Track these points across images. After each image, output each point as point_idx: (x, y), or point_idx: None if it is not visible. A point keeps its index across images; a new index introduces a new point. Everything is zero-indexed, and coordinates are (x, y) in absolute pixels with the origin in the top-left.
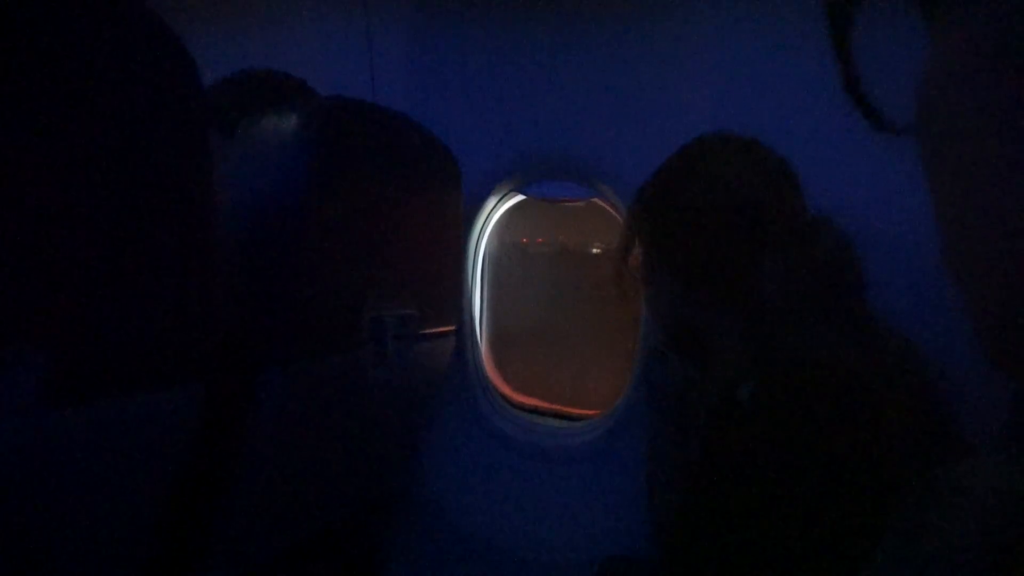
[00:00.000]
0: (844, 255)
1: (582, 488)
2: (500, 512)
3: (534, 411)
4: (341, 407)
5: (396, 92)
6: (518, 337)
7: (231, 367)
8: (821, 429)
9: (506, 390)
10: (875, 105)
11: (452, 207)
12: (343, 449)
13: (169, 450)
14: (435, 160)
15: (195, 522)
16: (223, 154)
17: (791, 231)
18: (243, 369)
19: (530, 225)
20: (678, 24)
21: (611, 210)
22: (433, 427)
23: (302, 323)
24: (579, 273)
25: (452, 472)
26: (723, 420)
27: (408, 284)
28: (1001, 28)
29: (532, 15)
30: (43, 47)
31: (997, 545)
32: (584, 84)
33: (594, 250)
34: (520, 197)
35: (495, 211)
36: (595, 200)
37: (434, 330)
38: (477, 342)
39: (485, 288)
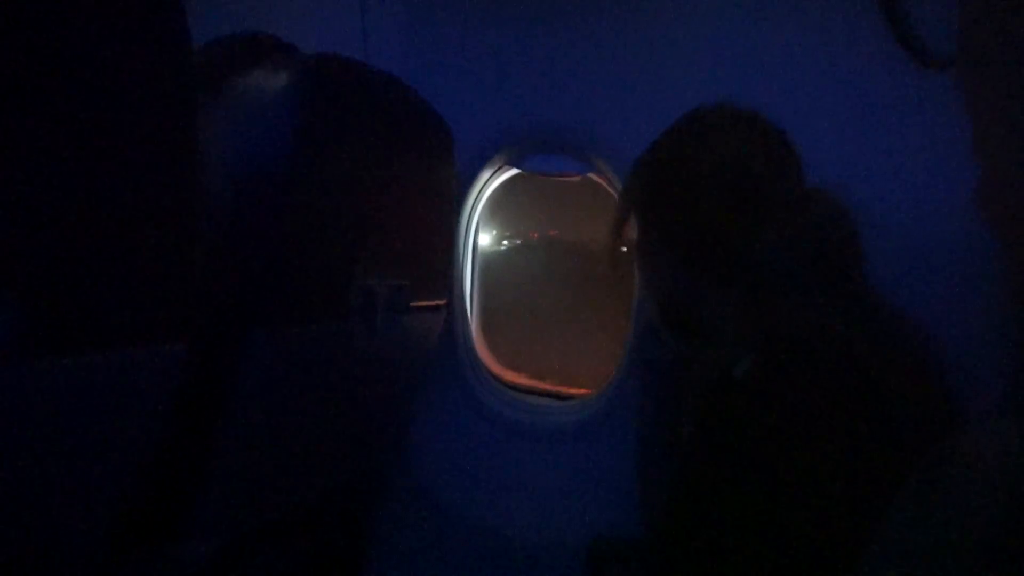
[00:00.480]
0: (842, 228)
1: (572, 468)
2: (489, 491)
3: (524, 390)
4: (328, 376)
5: (389, 61)
6: (509, 314)
7: (216, 328)
8: (820, 403)
9: (496, 368)
10: (918, 39)
11: (444, 176)
12: (328, 419)
13: (148, 409)
14: (427, 126)
15: (175, 485)
16: (209, 112)
17: (789, 204)
18: (228, 331)
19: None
20: None
21: (606, 186)
22: (422, 404)
23: (289, 287)
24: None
25: (440, 451)
26: (718, 397)
27: (399, 254)
28: None
29: None
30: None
31: (1010, 508)
32: (580, 55)
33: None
34: (514, 171)
35: (488, 185)
36: (591, 175)
37: (424, 303)
38: (467, 318)
39: (476, 265)
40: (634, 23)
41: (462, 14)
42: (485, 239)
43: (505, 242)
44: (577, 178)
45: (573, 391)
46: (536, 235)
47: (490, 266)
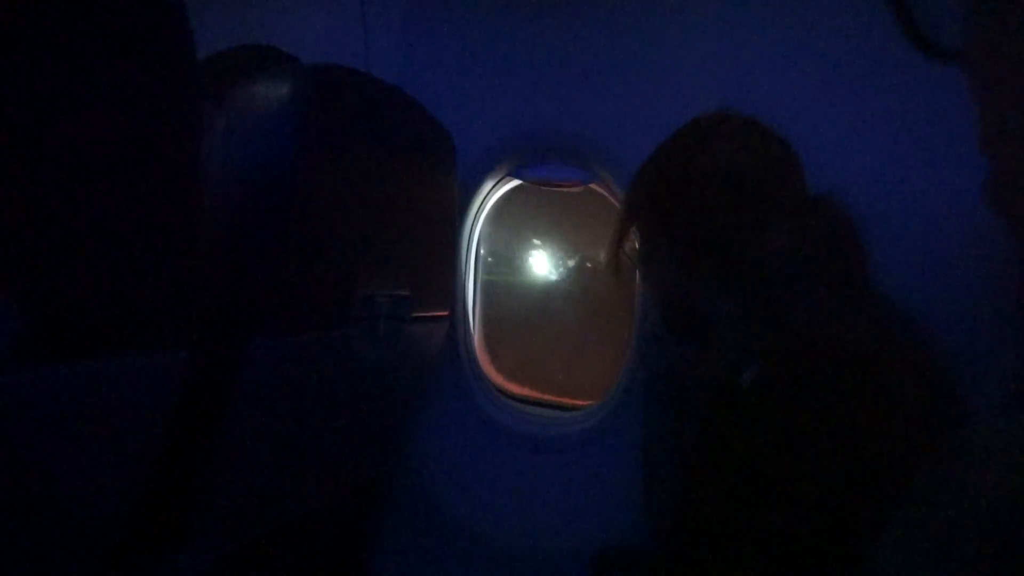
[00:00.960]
0: (845, 231)
1: (576, 478)
2: (493, 502)
3: (527, 400)
4: (329, 385)
5: (391, 71)
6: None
7: (218, 336)
8: (832, 409)
9: (498, 379)
10: (924, 29)
11: (446, 186)
12: (330, 429)
13: (149, 416)
14: (429, 136)
15: (176, 494)
16: (213, 121)
17: (791, 208)
18: (230, 339)
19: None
20: (678, 2)
21: (607, 195)
22: (425, 415)
23: (291, 296)
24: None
25: (444, 462)
26: (724, 405)
27: (401, 264)
28: None
29: None
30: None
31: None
32: (581, 65)
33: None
34: (516, 182)
35: (491, 196)
36: (592, 185)
37: (427, 314)
38: (470, 329)
39: (479, 275)
40: (635, 33)
41: (463, 24)
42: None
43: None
44: (578, 188)
45: (576, 402)
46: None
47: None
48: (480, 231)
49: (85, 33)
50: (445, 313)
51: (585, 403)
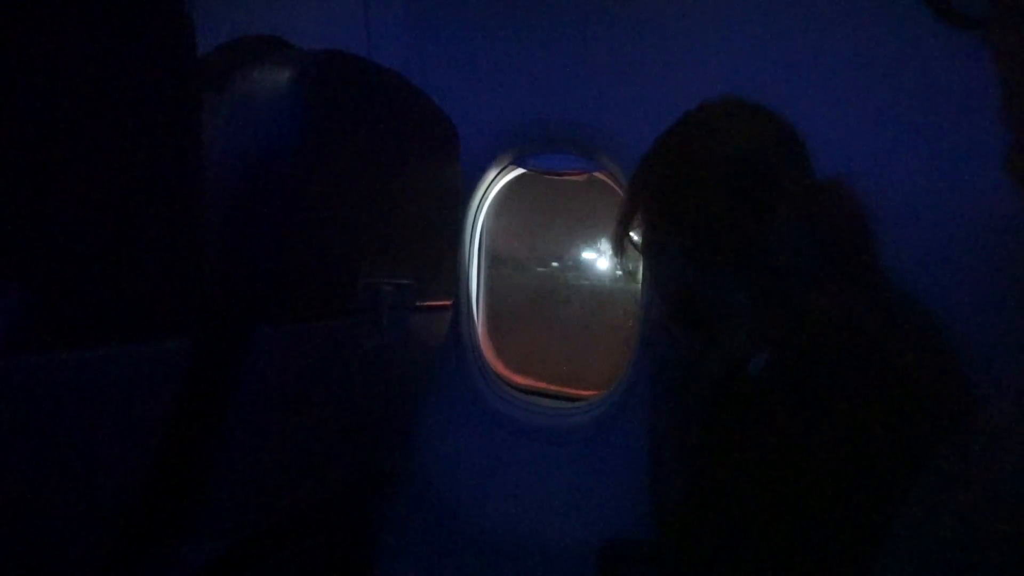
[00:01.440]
0: (854, 217)
1: (581, 469)
2: (498, 493)
3: (532, 391)
4: (333, 374)
5: (393, 60)
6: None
7: (222, 324)
8: (845, 397)
9: (502, 370)
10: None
11: (449, 175)
12: (334, 418)
13: (154, 404)
14: (432, 124)
15: (180, 484)
16: (216, 109)
17: (798, 193)
18: (234, 327)
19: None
20: None
21: (612, 183)
22: (429, 406)
23: (295, 284)
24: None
25: (449, 453)
26: (733, 394)
27: (404, 253)
28: None
29: None
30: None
31: None
32: (585, 53)
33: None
34: (519, 171)
35: (494, 184)
36: (596, 174)
37: (430, 303)
38: (474, 319)
39: (482, 265)
40: (639, 20)
41: (466, 12)
42: None
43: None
44: (583, 176)
45: (582, 392)
46: None
47: None
48: (483, 221)
49: (88, 23)
50: (448, 303)
51: (591, 393)
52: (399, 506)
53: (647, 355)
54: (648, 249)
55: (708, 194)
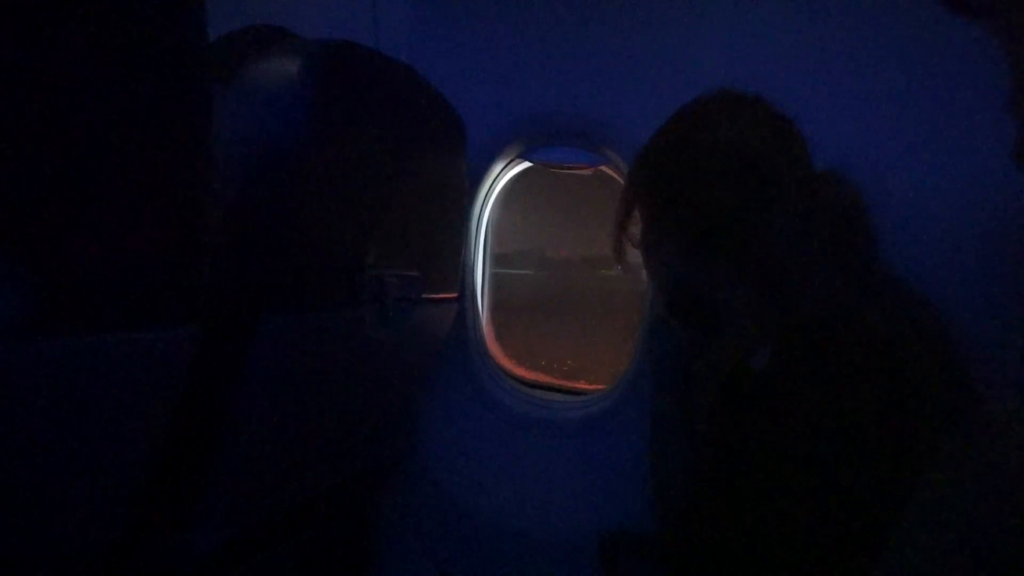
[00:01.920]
0: (854, 210)
1: (584, 462)
2: (501, 486)
3: (536, 385)
4: (339, 364)
5: (400, 52)
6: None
7: (228, 313)
8: (848, 390)
9: (507, 363)
10: None
11: (456, 167)
12: (339, 409)
13: (159, 392)
14: (439, 116)
15: (184, 473)
16: (223, 98)
17: (796, 186)
18: (240, 316)
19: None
20: None
21: (618, 178)
22: (433, 398)
23: (301, 274)
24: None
25: (452, 445)
26: (735, 390)
27: (410, 245)
28: None
29: None
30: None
31: None
32: (593, 46)
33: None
34: (526, 164)
35: (500, 178)
36: (603, 168)
37: (436, 296)
38: (479, 312)
39: (487, 258)
40: (647, 13)
41: (474, 3)
42: None
43: None
44: (589, 170)
45: (585, 386)
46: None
47: None
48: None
49: (96, 11)
50: (454, 296)
51: (594, 387)
52: (403, 496)
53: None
54: (645, 245)
55: (703, 188)
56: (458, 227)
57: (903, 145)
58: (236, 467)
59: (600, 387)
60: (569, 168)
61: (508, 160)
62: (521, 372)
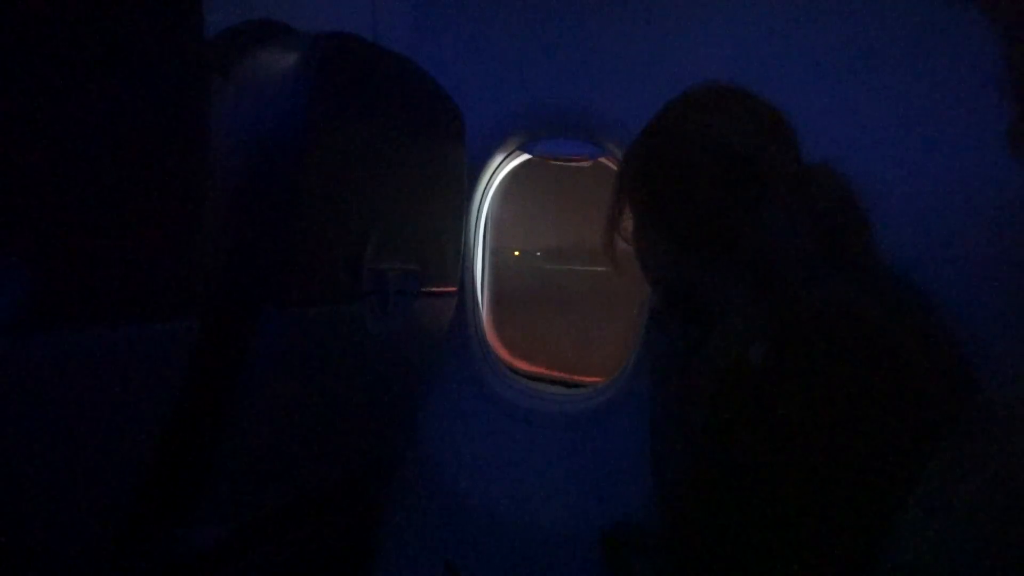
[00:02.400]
0: (845, 202)
1: (584, 455)
2: (501, 479)
3: (535, 377)
4: (339, 358)
5: (399, 44)
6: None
7: (228, 306)
8: (847, 383)
9: (506, 356)
10: None
11: (455, 160)
12: (339, 402)
13: (159, 385)
14: (438, 108)
15: (185, 467)
16: (222, 91)
17: (786, 180)
18: (240, 309)
19: None
20: None
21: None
22: (433, 392)
23: (300, 267)
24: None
25: (453, 439)
26: (733, 384)
27: (409, 238)
28: None
29: None
30: None
31: None
32: (591, 38)
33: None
34: (525, 156)
35: (499, 170)
36: (602, 160)
37: (435, 289)
38: (479, 306)
39: (487, 251)
40: (646, 4)
41: None
42: None
43: None
44: (588, 163)
45: (585, 379)
46: None
47: None
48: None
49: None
50: (453, 289)
51: (594, 380)
52: (403, 490)
53: (646, 343)
54: (637, 241)
55: (692, 184)
56: (457, 219)
57: (900, 136)
58: (236, 462)
59: (600, 379)
60: (568, 160)
61: (508, 152)
62: (522, 365)
